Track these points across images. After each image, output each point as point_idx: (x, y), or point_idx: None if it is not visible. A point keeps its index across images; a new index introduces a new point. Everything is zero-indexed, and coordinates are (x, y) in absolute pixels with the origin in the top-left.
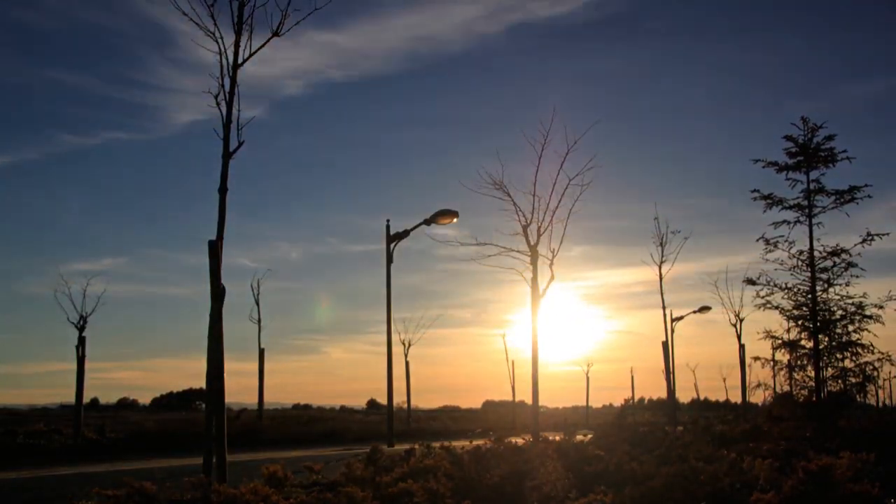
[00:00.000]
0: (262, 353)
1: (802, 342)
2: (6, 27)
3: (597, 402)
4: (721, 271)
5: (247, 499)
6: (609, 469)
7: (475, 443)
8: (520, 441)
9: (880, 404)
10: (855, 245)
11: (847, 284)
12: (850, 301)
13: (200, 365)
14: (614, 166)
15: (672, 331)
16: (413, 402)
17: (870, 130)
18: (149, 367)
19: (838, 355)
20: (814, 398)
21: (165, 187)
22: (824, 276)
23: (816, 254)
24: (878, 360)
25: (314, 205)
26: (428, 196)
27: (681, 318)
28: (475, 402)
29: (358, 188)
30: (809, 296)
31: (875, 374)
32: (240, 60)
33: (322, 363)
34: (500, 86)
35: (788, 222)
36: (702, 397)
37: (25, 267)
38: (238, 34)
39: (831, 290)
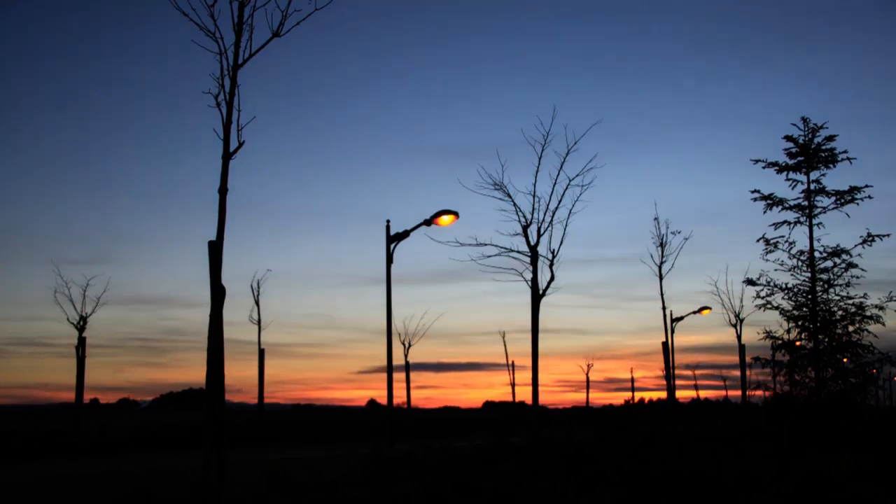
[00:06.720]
0: (262, 353)
1: (802, 343)
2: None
3: (597, 403)
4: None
5: (247, 499)
6: (609, 469)
7: (475, 443)
8: (520, 441)
9: (880, 405)
10: (855, 246)
11: (847, 285)
12: (850, 302)
13: (201, 365)
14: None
15: (672, 331)
16: (413, 403)
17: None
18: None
19: (838, 356)
20: (813, 399)
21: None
22: (824, 276)
23: (817, 254)
24: (878, 360)
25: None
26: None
27: (681, 318)
28: (475, 403)
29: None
30: (809, 296)
31: (875, 374)
32: (240, 61)
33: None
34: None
35: (789, 223)
36: (702, 397)
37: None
38: (238, 35)
39: (831, 290)
